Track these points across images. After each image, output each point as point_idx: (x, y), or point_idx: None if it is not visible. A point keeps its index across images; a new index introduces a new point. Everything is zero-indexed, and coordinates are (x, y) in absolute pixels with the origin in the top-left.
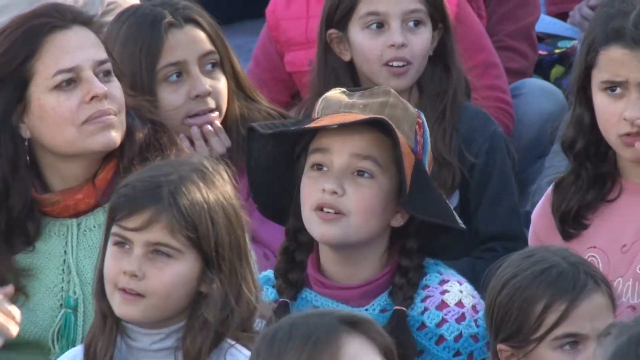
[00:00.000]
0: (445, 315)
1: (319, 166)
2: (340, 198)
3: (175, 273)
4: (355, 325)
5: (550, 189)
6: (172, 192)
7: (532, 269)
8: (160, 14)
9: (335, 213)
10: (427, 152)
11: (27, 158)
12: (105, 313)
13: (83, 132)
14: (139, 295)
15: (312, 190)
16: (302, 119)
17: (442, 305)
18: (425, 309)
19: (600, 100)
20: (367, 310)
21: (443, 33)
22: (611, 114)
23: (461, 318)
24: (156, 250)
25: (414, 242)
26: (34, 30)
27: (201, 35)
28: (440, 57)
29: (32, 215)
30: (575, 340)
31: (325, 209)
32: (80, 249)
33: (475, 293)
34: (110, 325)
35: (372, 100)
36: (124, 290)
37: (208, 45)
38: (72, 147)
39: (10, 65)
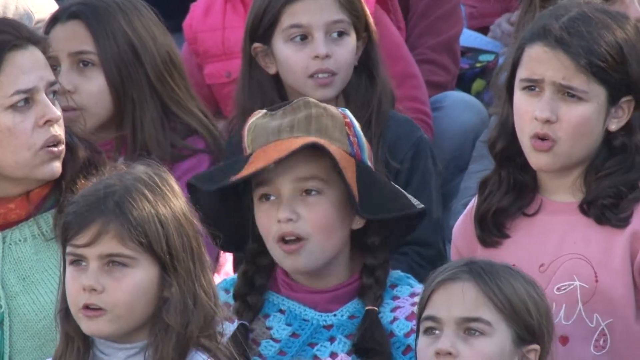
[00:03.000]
0: (415, 326)
1: (267, 196)
2: (296, 223)
3: (133, 281)
4: None
5: (471, 203)
6: (117, 202)
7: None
8: None
9: (298, 239)
10: (364, 147)
11: None
12: (70, 334)
13: (36, 159)
14: (102, 309)
15: (268, 223)
16: (236, 159)
17: (412, 316)
18: (395, 319)
19: (518, 98)
20: (335, 315)
21: (367, 43)
22: (525, 111)
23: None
24: (111, 262)
25: (375, 237)
26: None
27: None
28: (364, 67)
29: None
30: (433, 326)
31: (286, 238)
32: (6, 262)
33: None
34: (77, 345)
35: (297, 117)
36: (87, 307)
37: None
38: (20, 170)
39: None
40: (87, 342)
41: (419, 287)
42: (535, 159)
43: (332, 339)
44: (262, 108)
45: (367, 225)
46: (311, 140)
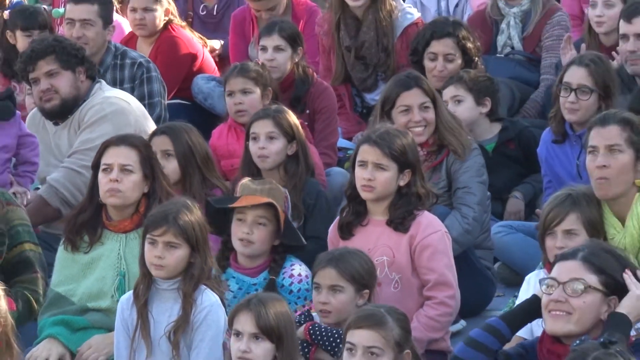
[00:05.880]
0: (292, 279)
1: (239, 219)
2: (250, 236)
3: (179, 255)
4: None
5: (336, 220)
6: (174, 217)
7: None
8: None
9: (248, 242)
10: (289, 210)
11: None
12: (145, 274)
13: (104, 195)
14: (163, 267)
15: (237, 231)
16: (232, 196)
17: (291, 275)
18: (283, 278)
19: (356, 170)
20: (257, 279)
21: (298, 146)
22: (360, 176)
23: (300, 281)
24: (169, 244)
25: (281, 248)
26: (104, 144)
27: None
28: (295, 156)
29: (98, 224)
30: (317, 287)
31: (243, 240)
32: (127, 248)
33: (307, 269)
34: (147, 279)
35: (265, 187)
36: (154, 265)
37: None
38: (104, 201)
39: (95, 159)
40: (152, 278)
41: (295, 261)
42: (364, 195)
43: (256, 291)
44: (249, 175)
45: (280, 242)
46: (269, 200)
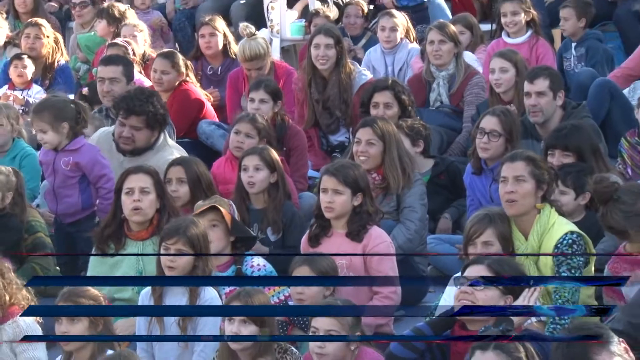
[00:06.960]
0: (253, 269)
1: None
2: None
3: (187, 260)
4: None
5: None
6: (184, 230)
7: None
8: None
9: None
10: (235, 213)
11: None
12: (160, 272)
13: (129, 214)
14: (175, 268)
15: None
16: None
17: (252, 265)
18: (246, 268)
19: (320, 195)
20: (227, 273)
21: (277, 176)
22: (322, 199)
23: (259, 269)
24: (179, 251)
25: (240, 243)
26: (125, 172)
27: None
28: (276, 185)
29: (121, 235)
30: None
31: None
32: (145, 252)
33: (266, 262)
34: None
35: (210, 200)
36: (167, 267)
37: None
38: (129, 219)
39: (117, 185)
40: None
41: (255, 257)
42: (326, 215)
43: None
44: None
45: (236, 238)
46: (211, 204)
